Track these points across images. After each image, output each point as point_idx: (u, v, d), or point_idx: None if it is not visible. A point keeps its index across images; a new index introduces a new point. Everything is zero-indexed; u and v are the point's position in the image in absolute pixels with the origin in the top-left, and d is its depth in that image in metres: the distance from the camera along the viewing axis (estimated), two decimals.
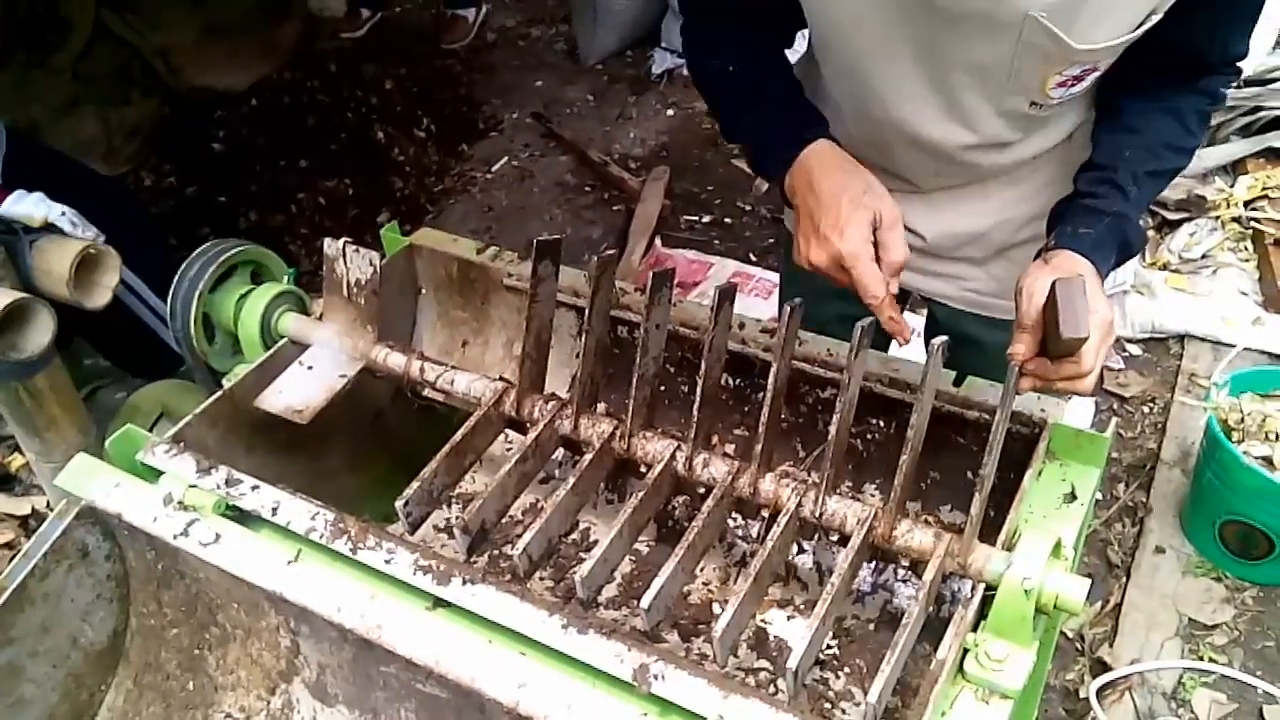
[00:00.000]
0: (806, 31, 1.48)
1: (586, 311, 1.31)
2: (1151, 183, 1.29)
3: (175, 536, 1.21)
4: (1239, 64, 1.31)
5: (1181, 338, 3.03)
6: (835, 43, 1.36)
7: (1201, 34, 1.24)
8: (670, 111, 4.31)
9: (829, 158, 1.25)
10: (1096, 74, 1.25)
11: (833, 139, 1.28)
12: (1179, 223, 3.27)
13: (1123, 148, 1.28)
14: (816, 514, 1.20)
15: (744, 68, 1.38)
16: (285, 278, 1.58)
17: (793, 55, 1.53)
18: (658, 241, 3.55)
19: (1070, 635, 2.30)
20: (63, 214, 1.82)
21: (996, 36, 1.20)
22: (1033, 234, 1.51)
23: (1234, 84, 1.31)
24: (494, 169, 4.07)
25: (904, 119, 1.37)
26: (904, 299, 1.75)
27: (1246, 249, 3.19)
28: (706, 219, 3.71)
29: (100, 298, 1.84)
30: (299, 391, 1.42)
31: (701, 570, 1.43)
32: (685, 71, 4.40)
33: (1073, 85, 1.25)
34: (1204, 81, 1.30)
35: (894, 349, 1.76)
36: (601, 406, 1.44)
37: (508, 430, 1.40)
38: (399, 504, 1.22)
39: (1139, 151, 1.27)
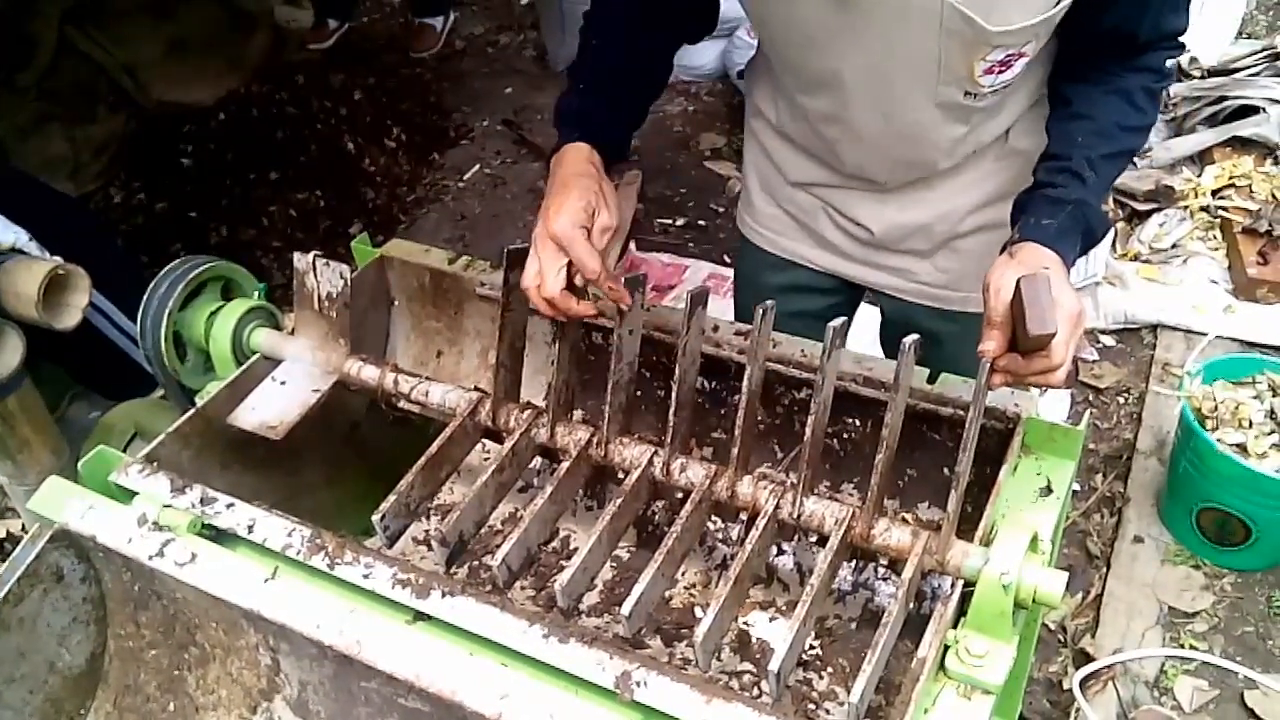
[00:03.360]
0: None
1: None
2: (1108, 165, 1.30)
3: (151, 557, 1.20)
4: (1179, 37, 1.31)
5: (1154, 327, 3.05)
6: (778, 42, 1.39)
7: (1129, 15, 1.25)
8: None
9: (580, 156, 1.32)
10: (1025, 59, 1.27)
11: (605, 147, 1.35)
12: (1148, 213, 3.29)
13: (1075, 134, 1.29)
14: (795, 515, 1.20)
15: (604, 52, 1.45)
16: (256, 293, 1.57)
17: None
18: (632, 245, 3.55)
19: (1052, 627, 2.31)
20: (30, 239, 1.80)
21: (919, 27, 1.22)
22: (976, 225, 1.54)
23: (1178, 55, 1.32)
24: (466, 177, 4.06)
25: (847, 116, 1.40)
26: (859, 294, 1.75)
27: (1215, 238, 3.22)
28: (680, 221, 3.72)
29: (70, 318, 1.83)
30: (272, 407, 1.41)
31: (683, 574, 1.43)
32: None
33: (1000, 71, 1.27)
34: (1143, 59, 1.31)
35: (858, 343, 1.75)
36: (578, 414, 1.44)
37: (484, 440, 1.40)
38: (376, 518, 1.21)
39: (1091, 136, 1.28)
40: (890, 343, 1.74)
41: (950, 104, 1.34)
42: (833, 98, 1.38)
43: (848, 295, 1.74)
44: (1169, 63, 1.32)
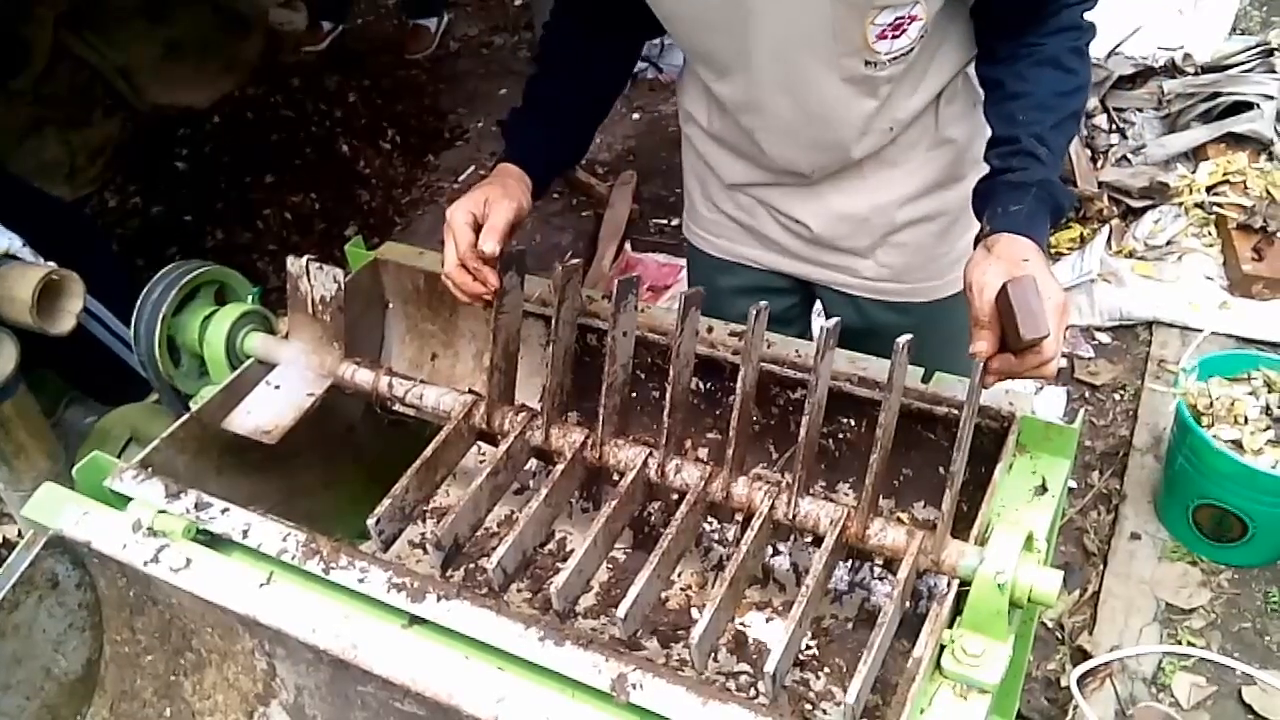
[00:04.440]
0: None
1: (553, 321, 1.30)
2: (1058, 136, 1.29)
3: (146, 563, 1.20)
4: None
5: (1149, 324, 3.05)
6: (683, 34, 1.41)
7: None
8: (636, 115, 4.31)
9: (503, 173, 1.45)
10: (919, 22, 1.27)
11: (529, 164, 1.48)
12: (1143, 210, 3.29)
13: (1015, 114, 1.29)
14: (790, 515, 1.20)
15: (548, 76, 1.56)
16: (250, 297, 1.57)
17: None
18: (627, 246, 3.55)
19: (1050, 625, 2.32)
20: (24, 245, 1.80)
21: None
22: (913, 217, 1.53)
23: (1092, 7, 1.32)
24: (461, 178, 4.06)
25: (759, 101, 1.41)
26: (813, 293, 1.75)
27: (1210, 234, 3.22)
28: (675, 222, 3.71)
29: (64, 323, 1.83)
30: (267, 411, 1.41)
31: (678, 576, 1.43)
32: (650, 75, 4.41)
33: (895, 36, 1.28)
34: (1058, 19, 1.30)
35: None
36: (573, 416, 1.44)
37: (479, 443, 1.40)
38: (370, 522, 1.21)
39: (1031, 112, 1.28)
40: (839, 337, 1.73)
41: (854, 76, 1.34)
42: (743, 82, 1.39)
43: (802, 295, 1.74)
44: (1086, 16, 1.31)
